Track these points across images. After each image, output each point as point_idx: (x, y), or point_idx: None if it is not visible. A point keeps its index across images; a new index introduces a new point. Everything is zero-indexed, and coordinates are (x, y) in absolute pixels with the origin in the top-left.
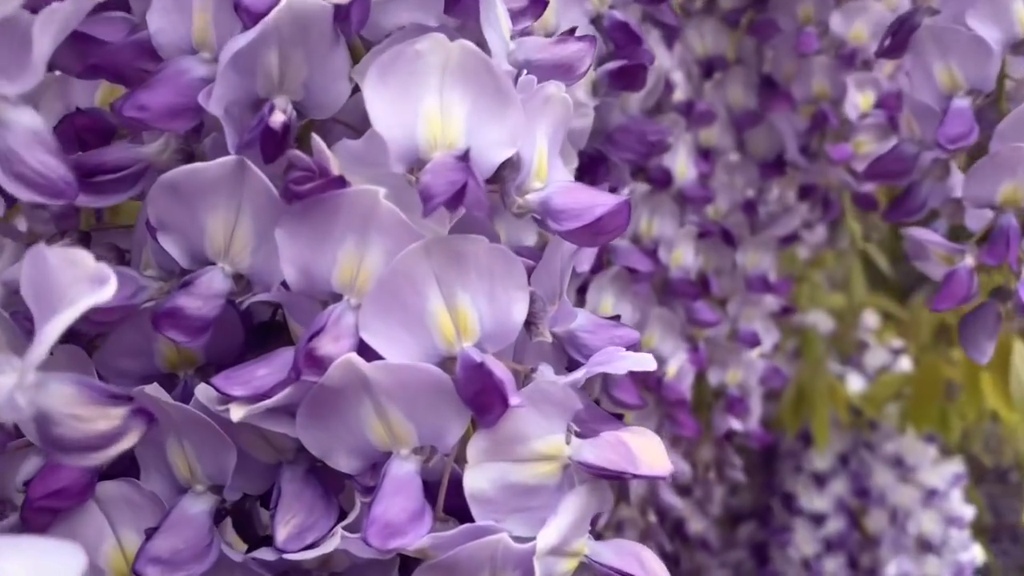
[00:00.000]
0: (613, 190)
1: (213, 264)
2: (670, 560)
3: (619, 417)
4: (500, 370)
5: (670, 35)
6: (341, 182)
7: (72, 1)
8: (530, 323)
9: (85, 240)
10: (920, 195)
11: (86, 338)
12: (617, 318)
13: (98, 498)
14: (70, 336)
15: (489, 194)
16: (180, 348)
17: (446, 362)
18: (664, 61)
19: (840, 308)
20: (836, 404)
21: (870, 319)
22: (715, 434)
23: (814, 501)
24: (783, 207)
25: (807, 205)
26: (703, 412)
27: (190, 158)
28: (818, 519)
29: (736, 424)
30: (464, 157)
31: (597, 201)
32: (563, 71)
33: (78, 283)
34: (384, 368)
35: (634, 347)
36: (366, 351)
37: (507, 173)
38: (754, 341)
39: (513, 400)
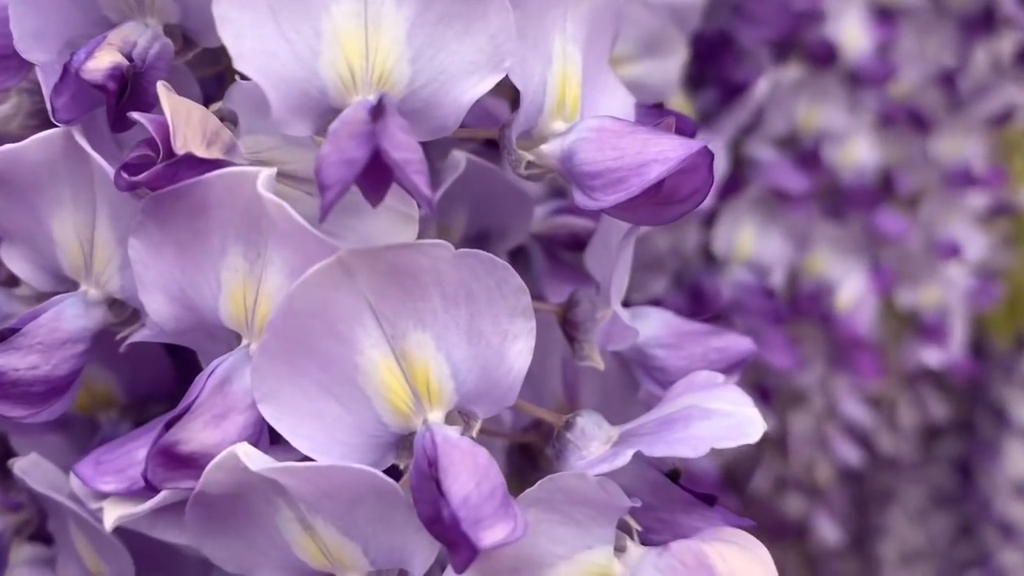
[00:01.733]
0: (742, 86)
1: (75, 286)
2: (855, 478)
3: (708, 499)
4: (469, 479)
5: None
6: (197, 164)
7: None
8: (572, 337)
9: None
10: None
11: None
12: (716, 319)
13: None
14: None
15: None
16: (90, 386)
17: (405, 440)
18: None
19: None
20: None
21: None
22: (904, 370)
23: None
24: (993, 76)
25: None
26: (890, 343)
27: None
28: None
29: (934, 357)
30: (377, 109)
31: (652, 152)
32: None
33: None
34: (292, 472)
35: (742, 363)
36: None
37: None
38: (954, 251)
39: (489, 539)
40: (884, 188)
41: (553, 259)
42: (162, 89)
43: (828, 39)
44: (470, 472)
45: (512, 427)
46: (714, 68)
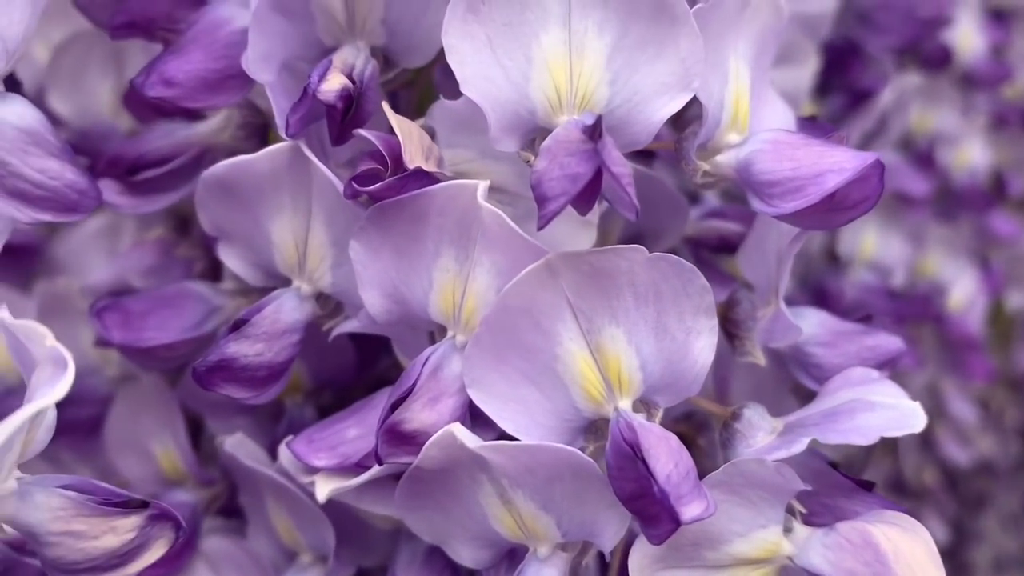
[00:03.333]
0: (868, 92)
1: (288, 283)
2: (948, 483)
3: (867, 486)
4: (669, 460)
5: None
6: (423, 177)
7: None
8: (733, 334)
9: (184, 229)
10: None
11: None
12: (868, 319)
13: (205, 553)
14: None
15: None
16: None
17: (595, 425)
18: None
19: None
20: None
21: None
22: (1012, 373)
23: None
24: None
25: None
26: (1001, 345)
27: (263, 131)
28: None
29: None
30: (595, 129)
31: (828, 163)
32: None
33: (41, 368)
34: (501, 449)
35: (894, 361)
36: None
37: (684, 127)
38: None
39: (689, 513)
40: (996, 190)
41: (701, 260)
42: (388, 109)
43: (942, 43)
44: (668, 454)
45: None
46: (841, 75)
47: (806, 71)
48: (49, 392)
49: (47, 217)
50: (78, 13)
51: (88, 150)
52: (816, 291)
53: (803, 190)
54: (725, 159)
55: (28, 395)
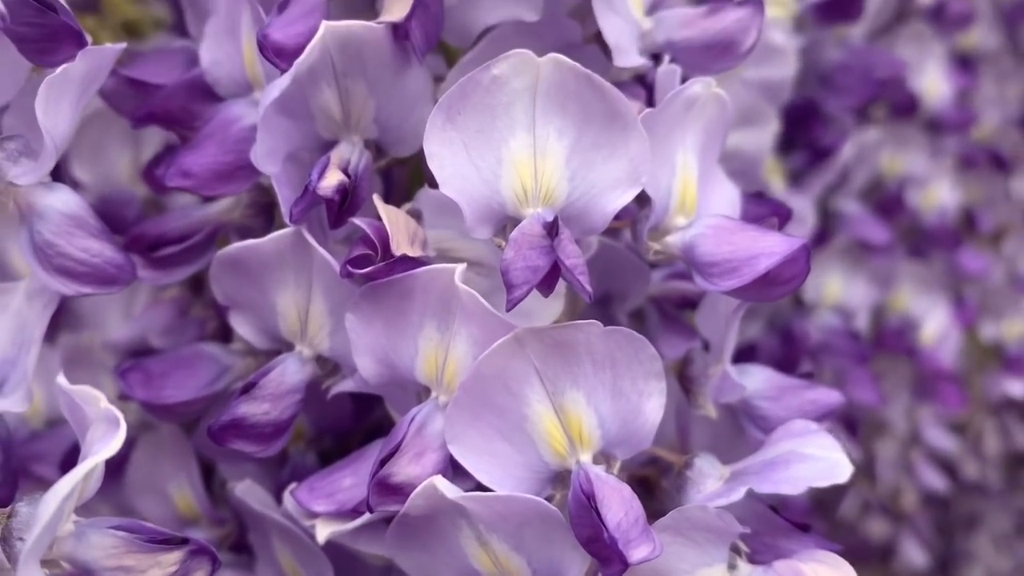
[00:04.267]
0: (829, 150)
1: (291, 347)
2: (941, 503)
3: (803, 527)
4: (619, 509)
5: None
6: (410, 262)
7: (83, 61)
8: (689, 389)
9: (197, 289)
10: None
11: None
12: (810, 376)
13: None
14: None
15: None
16: None
17: (560, 476)
18: None
19: None
20: None
21: None
22: (989, 400)
23: None
24: None
25: None
26: (974, 374)
27: (268, 209)
28: None
29: (1018, 388)
30: (553, 226)
31: (761, 248)
32: (719, 51)
33: (95, 424)
34: (477, 499)
35: (832, 412)
36: None
37: (637, 215)
38: None
39: (636, 556)
40: (966, 226)
41: (665, 316)
42: (378, 201)
43: (910, 90)
44: (619, 503)
45: (632, 463)
46: (803, 133)
47: (767, 133)
48: (105, 447)
49: (89, 290)
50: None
51: (108, 214)
52: (783, 333)
53: (739, 271)
54: (673, 240)
55: (85, 451)
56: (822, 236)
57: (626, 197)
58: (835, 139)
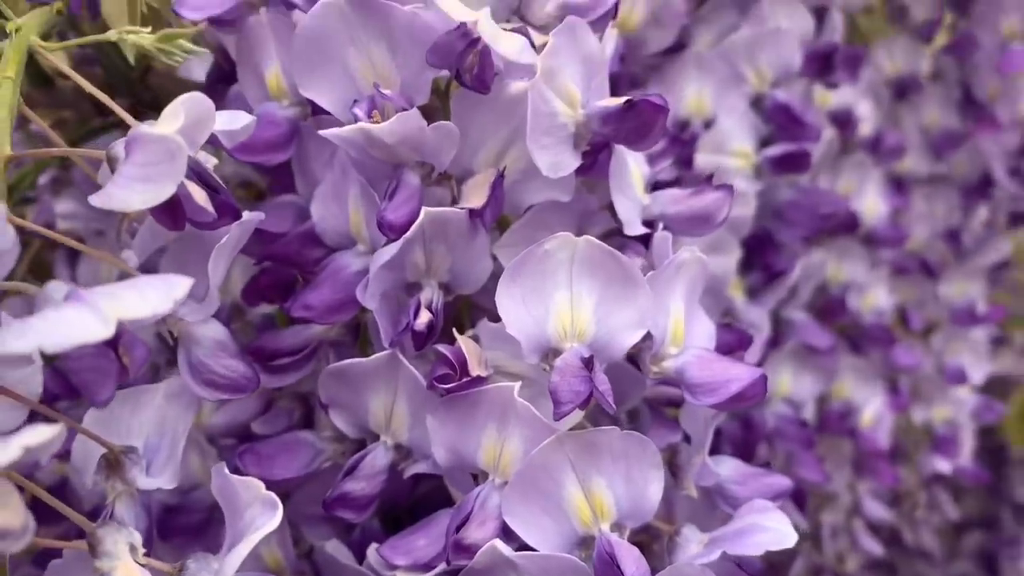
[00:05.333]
0: (782, 272)
1: (376, 437)
2: (887, 567)
3: None
4: (633, 565)
5: (854, 64)
6: (480, 380)
7: (238, 229)
8: (676, 474)
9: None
10: None
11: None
12: (767, 465)
13: None
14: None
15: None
16: None
17: (586, 540)
18: (846, 96)
19: None
20: None
21: None
22: (922, 475)
23: None
24: (990, 232)
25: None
26: (909, 451)
27: (356, 331)
28: None
29: (945, 465)
30: (589, 363)
31: (733, 375)
32: (700, 222)
33: (252, 505)
34: (526, 557)
35: (784, 493)
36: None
37: (641, 345)
38: (961, 378)
39: None
40: (900, 324)
41: (655, 413)
42: (457, 335)
43: (852, 211)
44: (633, 561)
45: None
46: (760, 258)
47: (732, 259)
48: (267, 523)
49: (224, 396)
50: None
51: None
52: (744, 420)
53: (717, 391)
54: (667, 365)
55: (244, 528)
56: (775, 340)
57: (637, 335)
58: (787, 263)
